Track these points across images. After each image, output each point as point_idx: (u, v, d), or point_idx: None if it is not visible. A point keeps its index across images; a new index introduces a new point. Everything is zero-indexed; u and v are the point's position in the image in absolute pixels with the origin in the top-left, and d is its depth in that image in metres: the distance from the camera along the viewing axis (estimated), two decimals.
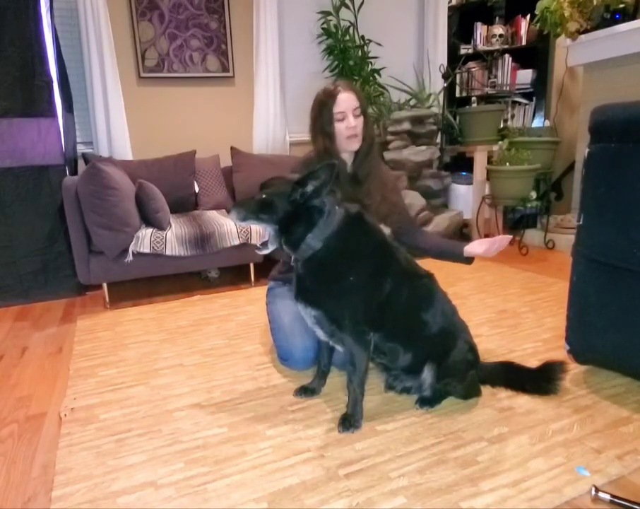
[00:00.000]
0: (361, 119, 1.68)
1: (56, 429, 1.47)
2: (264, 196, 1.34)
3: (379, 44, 3.79)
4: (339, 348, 1.49)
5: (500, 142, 3.56)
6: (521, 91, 4.01)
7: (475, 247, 1.65)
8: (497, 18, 4.03)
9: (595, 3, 2.93)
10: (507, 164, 3.37)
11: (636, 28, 2.79)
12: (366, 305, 1.37)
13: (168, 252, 2.62)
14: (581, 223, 1.47)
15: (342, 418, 1.40)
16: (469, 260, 1.69)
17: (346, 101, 1.64)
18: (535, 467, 1.18)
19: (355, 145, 1.69)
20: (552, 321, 2.11)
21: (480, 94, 4.11)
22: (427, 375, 1.45)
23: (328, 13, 3.67)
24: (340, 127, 1.65)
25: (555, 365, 1.52)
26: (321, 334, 1.47)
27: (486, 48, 4.03)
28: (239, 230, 2.74)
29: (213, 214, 3.01)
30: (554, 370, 1.52)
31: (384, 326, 1.41)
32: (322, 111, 1.66)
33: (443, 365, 1.43)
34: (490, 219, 3.81)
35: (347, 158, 1.74)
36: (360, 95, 1.71)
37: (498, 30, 3.96)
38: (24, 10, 2.56)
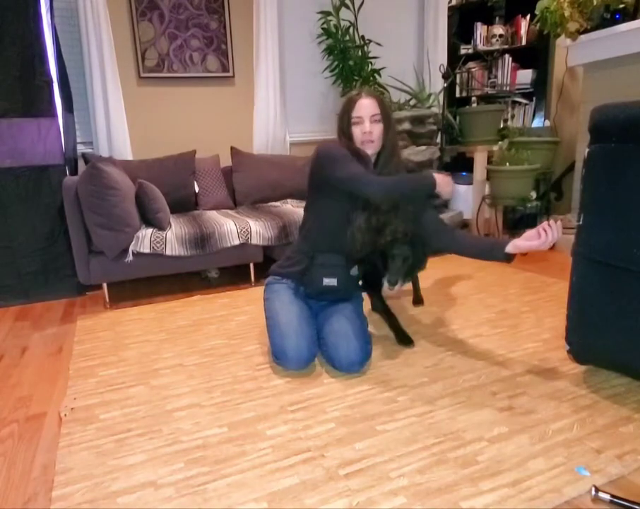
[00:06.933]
0: (379, 125, 1.75)
1: (56, 429, 1.47)
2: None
3: (379, 44, 3.79)
4: None
5: (500, 142, 3.56)
6: (521, 91, 4.00)
7: (523, 244, 1.54)
8: (497, 18, 4.03)
9: (595, 3, 2.93)
10: (507, 164, 3.36)
11: (636, 28, 2.79)
12: None
13: (168, 252, 2.61)
14: (580, 223, 1.47)
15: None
16: (510, 258, 1.59)
17: (365, 107, 1.74)
18: (535, 467, 1.18)
19: (370, 150, 1.77)
20: (552, 321, 2.11)
21: (480, 94, 4.11)
22: None
23: (328, 13, 3.66)
24: (355, 131, 1.76)
25: None
26: None
27: (486, 48, 4.03)
28: (239, 230, 2.74)
29: (213, 214, 3.01)
30: None
31: None
32: (343, 115, 1.79)
33: None
34: (490, 219, 3.81)
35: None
36: (384, 104, 1.78)
37: (498, 30, 3.96)
38: (24, 10, 2.56)
